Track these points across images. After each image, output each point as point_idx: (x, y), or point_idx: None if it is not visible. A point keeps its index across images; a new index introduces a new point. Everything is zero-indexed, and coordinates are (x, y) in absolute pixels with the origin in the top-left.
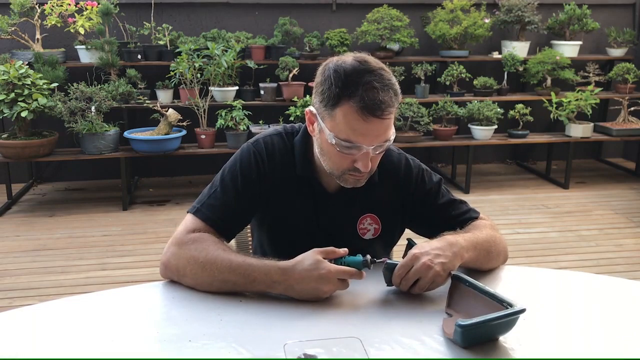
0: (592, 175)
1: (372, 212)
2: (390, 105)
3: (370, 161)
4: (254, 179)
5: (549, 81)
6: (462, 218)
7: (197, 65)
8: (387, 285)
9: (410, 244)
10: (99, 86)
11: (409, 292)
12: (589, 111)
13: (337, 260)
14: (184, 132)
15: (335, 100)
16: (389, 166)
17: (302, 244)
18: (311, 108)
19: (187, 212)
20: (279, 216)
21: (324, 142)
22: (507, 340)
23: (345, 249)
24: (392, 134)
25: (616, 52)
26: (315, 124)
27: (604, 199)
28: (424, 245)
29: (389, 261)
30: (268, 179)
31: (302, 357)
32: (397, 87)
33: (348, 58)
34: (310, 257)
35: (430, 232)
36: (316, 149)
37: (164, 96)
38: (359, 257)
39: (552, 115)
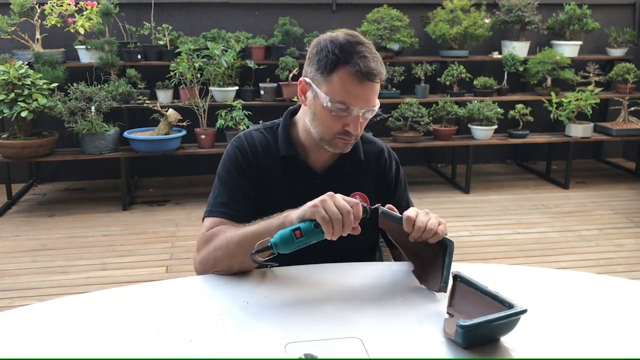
0: (592, 175)
1: (360, 190)
2: (380, 72)
3: (359, 125)
4: (244, 168)
5: (549, 81)
6: None
7: (197, 65)
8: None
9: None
10: (99, 86)
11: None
12: (589, 111)
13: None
14: (184, 132)
15: (333, 66)
16: (373, 151)
17: None
18: (304, 78)
19: (202, 220)
20: (270, 202)
21: (318, 107)
22: (508, 340)
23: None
24: (377, 103)
25: (616, 52)
26: (308, 92)
27: (604, 199)
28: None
29: (382, 208)
30: (254, 166)
31: (303, 357)
32: (382, 61)
33: (340, 33)
34: None
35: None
36: (307, 120)
37: (164, 96)
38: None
39: (552, 115)
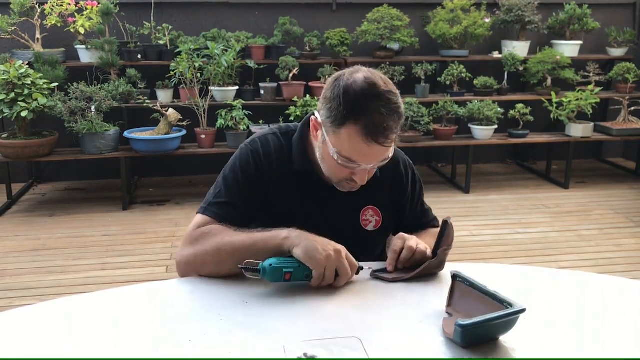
0: (592, 175)
1: (373, 205)
2: (394, 131)
3: (367, 174)
4: (253, 175)
5: (549, 81)
6: (427, 225)
7: (197, 65)
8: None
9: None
10: (99, 86)
11: (407, 281)
12: (589, 111)
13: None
14: (184, 132)
15: (342, 121)
16: (389, 164)
17: None
18: (317, 116)
19: (196, 214)
20: (280, 211)
21: (325, 153)
22: (507, 340)
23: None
24: (391, 152)
25: (616, 52)
26: (319, 131)
27: (604, 199)
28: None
29: (375, 269)
30: (266, 174)
31: (302, 357)
32: (402, 109)
33: (359, 77)
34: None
35: (398, 228)
36: (317, 152)
37: (164, 96)
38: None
39: (552, 115)
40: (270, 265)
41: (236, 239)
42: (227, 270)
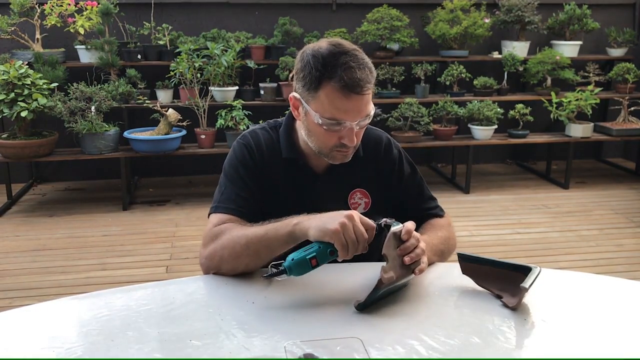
0: (592, 175)
1: (360, 187)
2: (368, 81)
3: (355, 136)
4: (251, 166)
5: (549, 81)
6: (427, 213)
7: (197, 65)
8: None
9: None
10: (99, 86)
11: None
12: (589, 111)
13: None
14: (184, 132)
15: (317, 83)
16: (371, 142)
17: None
18: (294, 94)
19: (208, 215)
20: (271, 201)
21: (311, 123)
22: (508, 340)
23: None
24: (371, 109)
25: (616, 52)
26: (300, 108)
27: (604, 199)
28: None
29: (388, 221)
30: (259, 165)
31: (303, 357)
32: (371, 65)
33: (323, 43)
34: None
35: (395, 216)
36: (303, 133)
37: (163, 96)
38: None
39: (552, 115)
40: (293, 259)
41: (249, 231)
42: (244, 266)
